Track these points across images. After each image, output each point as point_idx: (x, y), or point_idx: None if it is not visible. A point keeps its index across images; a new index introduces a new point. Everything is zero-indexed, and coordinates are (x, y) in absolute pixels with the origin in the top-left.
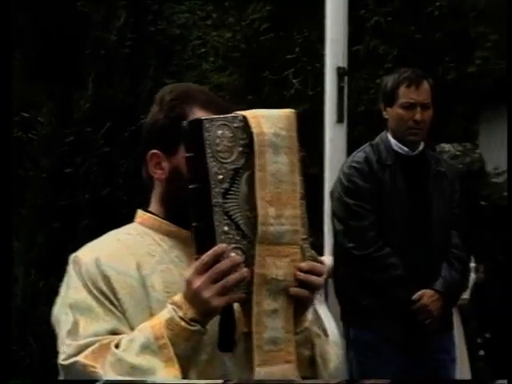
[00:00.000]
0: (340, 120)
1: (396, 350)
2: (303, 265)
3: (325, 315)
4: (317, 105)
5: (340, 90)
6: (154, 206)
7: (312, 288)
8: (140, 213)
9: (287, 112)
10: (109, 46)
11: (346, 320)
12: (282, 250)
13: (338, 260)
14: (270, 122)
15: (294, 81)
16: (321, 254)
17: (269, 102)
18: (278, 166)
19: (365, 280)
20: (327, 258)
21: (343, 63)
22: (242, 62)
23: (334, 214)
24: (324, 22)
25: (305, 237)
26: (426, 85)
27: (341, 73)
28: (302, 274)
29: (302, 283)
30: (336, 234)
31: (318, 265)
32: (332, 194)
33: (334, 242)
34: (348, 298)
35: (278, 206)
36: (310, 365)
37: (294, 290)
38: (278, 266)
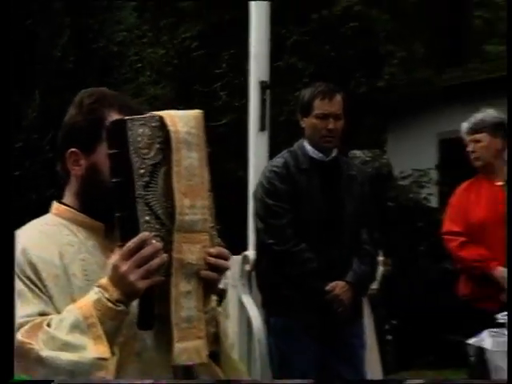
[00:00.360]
0: (262, 129)
1: (312, 337)
2: (212, 250)
3: (248, 304)
4: (242, 115)
5: (263, 101)
6: (68, 198)
7: (220, 271)
8: (55, 205)
9: (196, 113)
10: (54, 61)
11: (267, 309)
12: (195, 237)
13: (260, 255)
14: (182, 121)
15: (222, 93)
16: (245, 249)
17: None
18: (190, 161)
19: (284, 273)
20: (251, 253)
21: (266, 77)
22: (175, 76)
23: (256, 214)
24: (248, 41)
25: (212, 225)
26: (338, 97)
27: (263, 86)
28: (211, 258)
29: (211, 267)
30: (258, 232)
31: (225, 250)
32: (254, 195)
33: (256, 239)
34: (269, 289)
35: (192, 197)
36: (214, 340)
37: (204, 272)
38: (192, 252)
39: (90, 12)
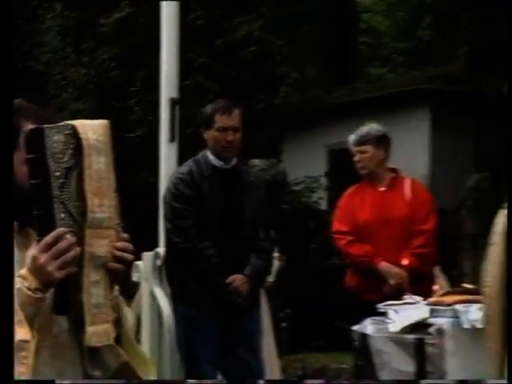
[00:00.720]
0: (172, 140)
1: (215, 325)
2: (118, 244)
3: (159, 295)
4: (154, 127)
5: (172, 116)
6: None
7: (125, 263)
8: None
9: (103, 122)
10: None
11: (175, 300)
12: (104, 233)
13: (169, 252)
14: (92, 129)
15: (136, 108)
16: (157, 246)
17: (116, 125)
18: (99, 166)
19: (189, 267)
20: (161, 250)
21: (175, 95)
22: (95, 93)
23: (164, 215)
24: (160, 62)
25: (118, 222)
26: (236, 112)
27: (173, 102)
28: (117, 251)
29: (117, 259)
30: (167, 231)
31: (129, 244)
32: (163, 199)
33: (165, 237)
34: (177, 282)
35: (100, 198)
36: (117, 324)
37: (111, 264)
38: (101, 246)
39: (20, 35)
